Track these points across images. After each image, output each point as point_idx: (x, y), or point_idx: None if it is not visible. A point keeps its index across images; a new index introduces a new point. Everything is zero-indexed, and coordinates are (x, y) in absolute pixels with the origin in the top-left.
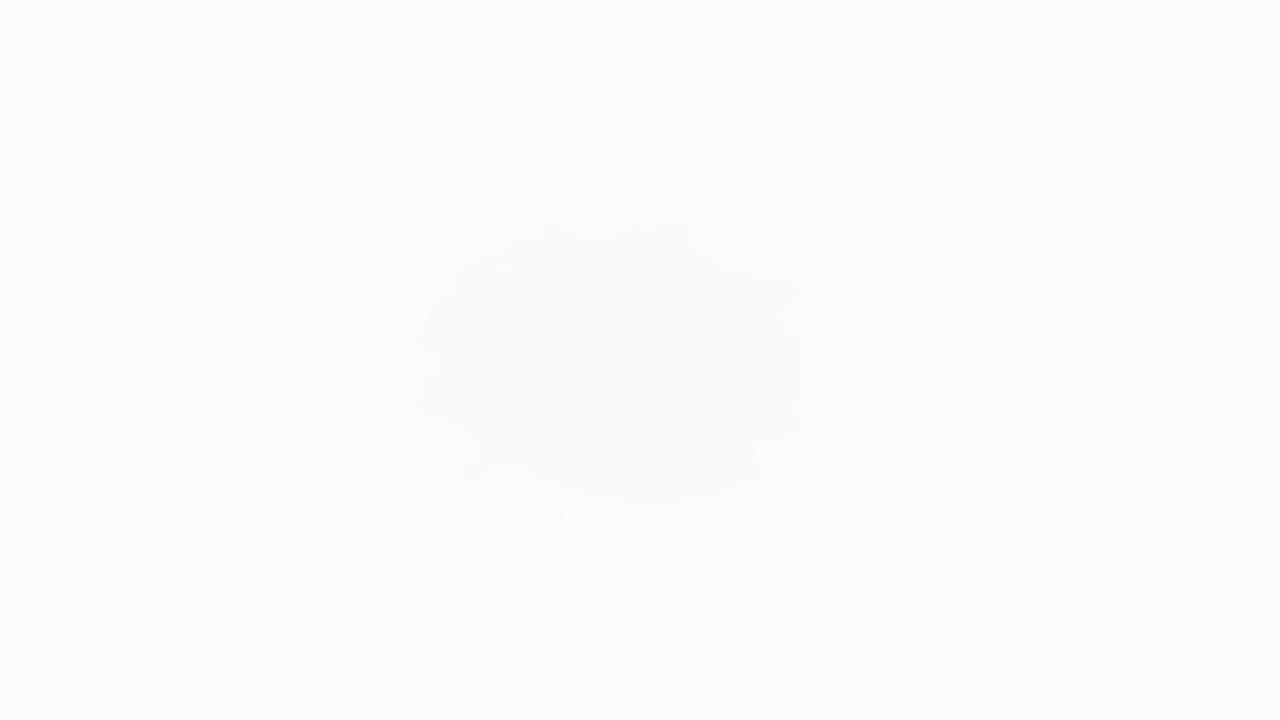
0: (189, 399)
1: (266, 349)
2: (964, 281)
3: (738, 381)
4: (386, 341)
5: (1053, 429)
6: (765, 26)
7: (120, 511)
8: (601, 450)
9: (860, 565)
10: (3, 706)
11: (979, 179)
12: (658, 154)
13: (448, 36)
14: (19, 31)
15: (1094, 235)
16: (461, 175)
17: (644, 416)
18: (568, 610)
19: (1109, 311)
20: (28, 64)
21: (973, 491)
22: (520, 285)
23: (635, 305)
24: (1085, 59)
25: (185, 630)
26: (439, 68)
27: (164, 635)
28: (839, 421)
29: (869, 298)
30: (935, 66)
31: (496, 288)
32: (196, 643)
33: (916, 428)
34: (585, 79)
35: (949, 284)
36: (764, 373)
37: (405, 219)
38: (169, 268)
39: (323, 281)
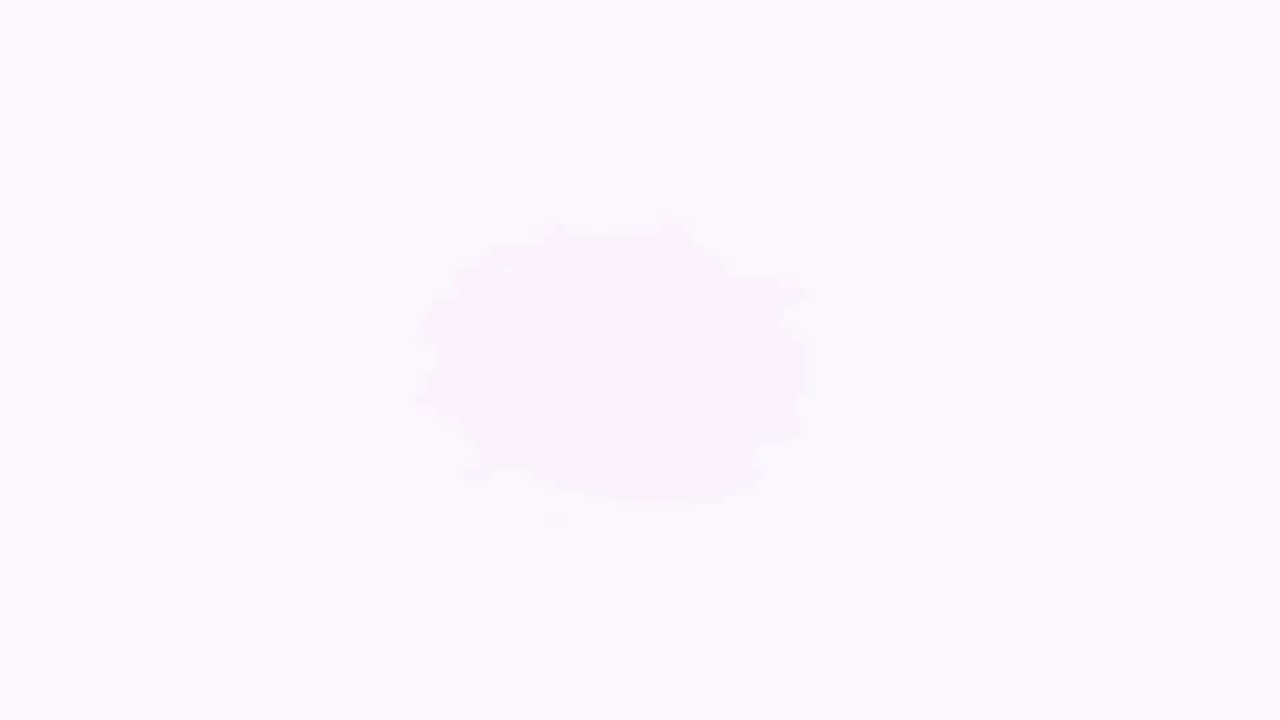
0: (186, 399)
1: (265, 349)
2: (966, 283)
3: (737, 383)
4: (386, 342)
5: (1055, 431)
6: (765, 27)
7: (115, 510)
8: (601, 450)
9: (860, 568)
10: (2, 706)
11: (981, 180)
12: (658, 156)
13: (447, 36)
14: (18, 31)
15: (1097, 237)
16: (462, 176)
17: (644, 417)
18: (567, 610)
19: (1112, 313)
20: (27, 63)
21: (974, 494)
22: (520, 287)
23: (635, 306)
24: (1086, 59)
25: (181, 630)
26: (439, 68)
27: (160, 635)
28: (839, 424)
29: (870, 300)
30: (936, 67)
31: (497, 289)
32: (193, 643)
33: (917, 430)
34: (586, 80)
35: (950, 286)
36: (764, 374)
37: (406, 219)
38: (166, 266)
39: (322, 281)
